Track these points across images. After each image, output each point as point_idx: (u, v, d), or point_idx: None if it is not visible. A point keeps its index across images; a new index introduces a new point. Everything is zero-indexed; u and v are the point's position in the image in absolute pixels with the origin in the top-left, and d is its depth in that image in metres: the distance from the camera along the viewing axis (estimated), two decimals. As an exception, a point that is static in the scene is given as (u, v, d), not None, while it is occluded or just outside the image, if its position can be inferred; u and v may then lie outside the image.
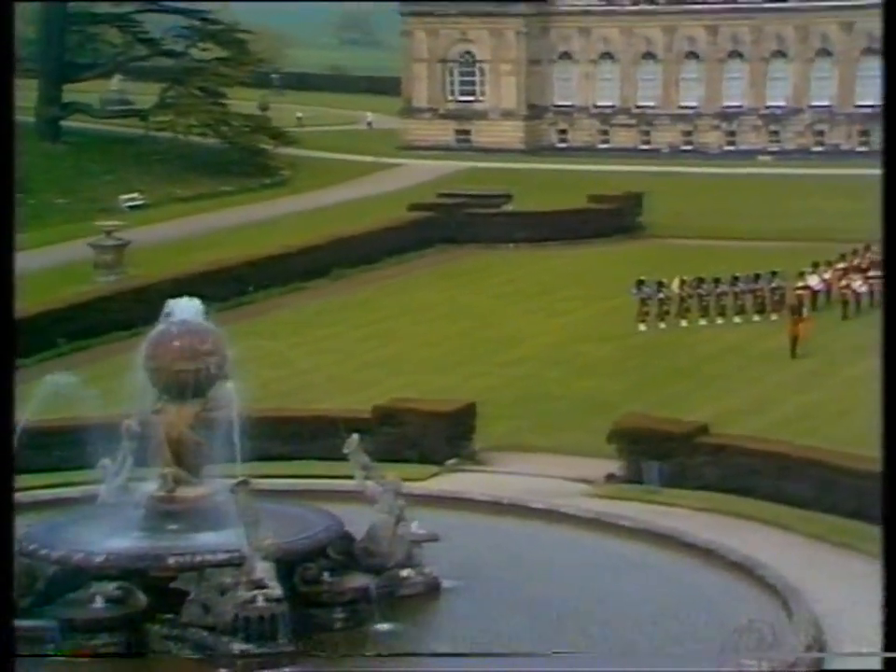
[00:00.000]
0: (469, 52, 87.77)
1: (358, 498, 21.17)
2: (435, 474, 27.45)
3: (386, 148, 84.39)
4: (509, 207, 60.02)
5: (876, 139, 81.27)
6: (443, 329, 41.68)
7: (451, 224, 55.97)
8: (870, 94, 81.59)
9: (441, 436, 28.30)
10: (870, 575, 21.99)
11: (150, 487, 20.63)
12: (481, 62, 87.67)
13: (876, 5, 76.97)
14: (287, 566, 19.42)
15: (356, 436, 21.30)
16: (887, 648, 10.45)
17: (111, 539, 19.97)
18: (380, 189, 71.28)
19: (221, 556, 19.19)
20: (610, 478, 27.09)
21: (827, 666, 17.81)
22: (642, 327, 40.66)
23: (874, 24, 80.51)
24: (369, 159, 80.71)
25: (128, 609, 18.97)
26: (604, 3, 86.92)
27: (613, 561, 22.18)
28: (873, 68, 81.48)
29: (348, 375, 35.24)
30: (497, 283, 48.86)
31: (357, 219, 56.65)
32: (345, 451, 21.23)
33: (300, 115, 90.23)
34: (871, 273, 42.72)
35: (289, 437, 27.97)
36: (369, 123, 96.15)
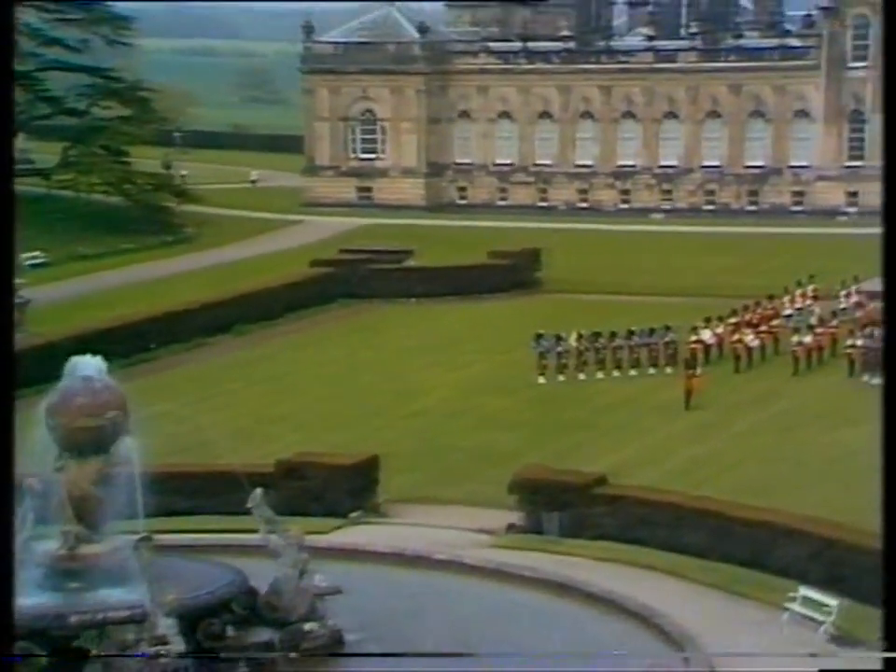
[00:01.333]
0: (370, 110, 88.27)
1: (262, 553, 21.02)
2: (338, 527, 27.36)
3: (290, 206, 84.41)
4: (410, 263, 60.25)
5: (765, 199, 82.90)
6: (345, 383, 41.62)
7: (353, 280, 56.03)
8: (758, 155, 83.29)
9: (345, 489, 28.24)
10: (764, 622, 22.29)
11: (52, 545, 20.32)
12: (382, 120, 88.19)
13: (764, 68, 78.70)
14: (191, 621, 19.20)
15: (259, 490, 21.19)
16: (887, 648, 10.68)
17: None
18: (283, 245, 71.20)
19: (124, 613, 18.93)
20: (511, 528, 27.18)
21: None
22: (541, 379, 40.96)
23: (760, 87, 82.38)
24: (273, 216, 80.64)
25: (29, 670, 18.60)
26: (501, 62, 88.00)
27: (515, 610, 22.22)
28: (760, 129, 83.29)
29: (251, 430, 35.02)
30: (398, 337, 48.95)
31: (260, 275, 56.51)
32: (249, 505, 21.10)
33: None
34: (762, 328, 43.47)
35: (192, 492, 27.71)
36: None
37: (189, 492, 27.49)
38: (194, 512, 27.21)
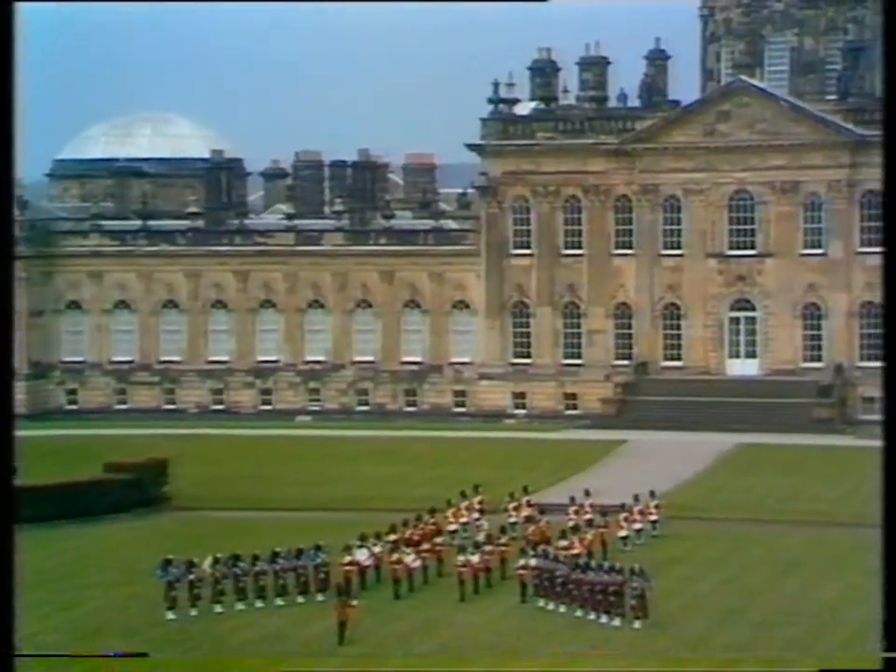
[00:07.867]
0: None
1: None
2: None
3: None
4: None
5: (425, 399, 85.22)
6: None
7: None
8: (416, 350, 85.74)
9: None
10: None
11: None
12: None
13: (418, 253, 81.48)
14: None
15: None
16: (887, 648, 11.48)
17: None
18: None
19: None
20: None
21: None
22: (170, 615, 40.44)
23: (415, 274, 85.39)
24: None
25: None
26: (116, 243, 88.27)
27: None
28: (417, 321, 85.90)
29: None
30: (-5, 570, 47.35)
31: None
32: None
33: None
34: (424, 546, 44.37)
35: None
36: None
37: None
38: None
